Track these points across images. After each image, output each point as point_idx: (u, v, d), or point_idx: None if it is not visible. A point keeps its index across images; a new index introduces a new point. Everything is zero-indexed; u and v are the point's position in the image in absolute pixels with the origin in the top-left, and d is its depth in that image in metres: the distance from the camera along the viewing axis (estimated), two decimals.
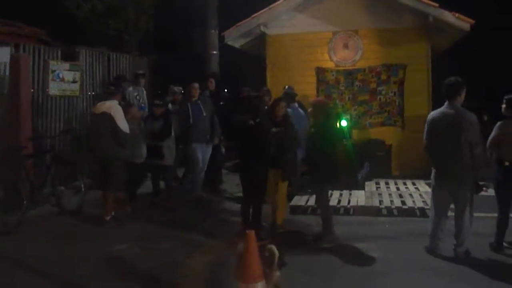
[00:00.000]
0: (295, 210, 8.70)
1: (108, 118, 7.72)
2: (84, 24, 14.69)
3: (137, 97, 10.70)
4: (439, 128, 6.20)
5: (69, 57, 10.71)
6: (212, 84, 10.32)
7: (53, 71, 10.11)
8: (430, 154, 6.46)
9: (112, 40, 14.46)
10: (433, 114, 6.40)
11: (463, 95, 6.27)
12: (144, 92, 11.16)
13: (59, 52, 10.45)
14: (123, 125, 7.80)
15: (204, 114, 9.08)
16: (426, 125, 6.40)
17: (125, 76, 11.19)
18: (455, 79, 6.33)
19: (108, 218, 7.83)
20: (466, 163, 6.09)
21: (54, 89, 10.18)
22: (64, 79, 10.38)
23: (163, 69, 14.22)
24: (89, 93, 11.25)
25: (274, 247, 4.75)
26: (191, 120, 8.96)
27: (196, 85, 9.22)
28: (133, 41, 15.37)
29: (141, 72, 11.32)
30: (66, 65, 10.46)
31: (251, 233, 4.60)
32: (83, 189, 8.70)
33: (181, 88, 10.40)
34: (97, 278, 5.77)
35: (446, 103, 6.29)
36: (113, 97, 8.06)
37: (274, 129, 7.29)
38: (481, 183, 6.45)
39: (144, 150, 8.80)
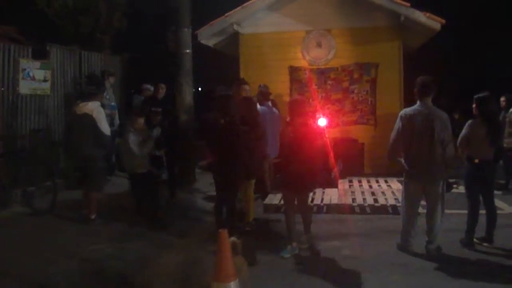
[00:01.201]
0: (269, 208, 8.70)
1: (89, 120, 7.72)
2: (55, 21, 14.47)
3: (106, 96, 10.58)
4: (412, 126, 6.26)
5: (40, 55, 10.55)
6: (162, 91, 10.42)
7: (23, 70, 9.94)
8: (397, 153, 6.50)
9: (84, 38, 14.28)
10: (406, 111, 6.43)
11: (434, 93, 6.35)
12: (111, 90, 11.08)
13: (30, 51, 10.29)
14: (104, 127, 7.80)
15: None
16: (398, 121, 6.43)
17: (98, 76, 11.07)
18: (427, 78, 6.41)
19: (93, 217, 7.81)
20: (438, 160, 6.18)
21: (24, 88, 10.02)
22: (34, 78, 10.21)
23: (136, 67, 14.09)
24: (60, 92, 11.10)
25: (236, 239, 4.79)
26: None
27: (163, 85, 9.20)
28: (106, 39, 15.20)
29: (110, 70, 11.22)
30: (37, 64, 10.30)
31: (224, 232, 4.60)
32: (55, 190, 8.59)
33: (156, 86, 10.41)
34: (69, 279, 5.72)
35: (418, 102, 6.37)
36: (94, 98, 8.01)
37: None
38: (451, 180, 6.56)
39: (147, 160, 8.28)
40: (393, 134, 6.45)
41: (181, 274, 5.91)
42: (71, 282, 5.67)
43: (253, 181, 7.72)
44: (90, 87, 8.43)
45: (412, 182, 6.38)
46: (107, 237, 7.11)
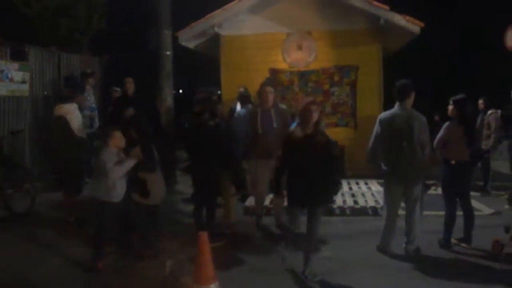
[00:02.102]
0: (249, 210, 8.69)
1: (63, 122, 7.66)
2: (34, 22, 14.32)
3: (88, 97, 10.49)
4: (391, 129, 6.32)
5: (19, 56, 10.44)
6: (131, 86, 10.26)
7: (1, 71, 9.84)
8: (377, 155, 6.55)
9: (63, 39, 14.16)
10: (384, 114, 6.49)
11: (413, 96, 6.41)
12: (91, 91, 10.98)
13: (8, 52, 10.18)
14: (78, 129, 7.73)
15: None
16: (377, 125, 6.48)
17: (76, 77, 10.97)
18: (405, 81, 6.48)
19: (71, 220, 7.73)
20: (417, 162, 6.24)
21: (2, 89, 9.91)
22: (13, 79, 10.11)
23: (116, 69, 14.00)
24: (45, 93, 11.00)
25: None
26: None
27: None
28: (85, 40, 15.08)
29: (88, 71, 11.12)
30: (15, 65, 10.20)
31: (204, 235, 4.60)
32: (33, 192, 8.49)
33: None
34: (51, 279, 5.74)
35: (397, 105, 6.42)
36: (71, 100, 7.95)
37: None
38: (430, 182, 6.63)
39: None
40: (372, 138, 6.51)
41: (162, 277, 5.89)
42: (52, 281, 5.63)
43: (232, 184, 7.69)
44: (66, 89, 8.33)
45: (392, 184, 6.44)
46: (85, 240, 7.03)
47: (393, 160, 6.36)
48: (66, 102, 7.93)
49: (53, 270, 6.12)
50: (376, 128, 6.45)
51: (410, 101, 6.38)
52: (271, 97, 7.57)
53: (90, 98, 10.73)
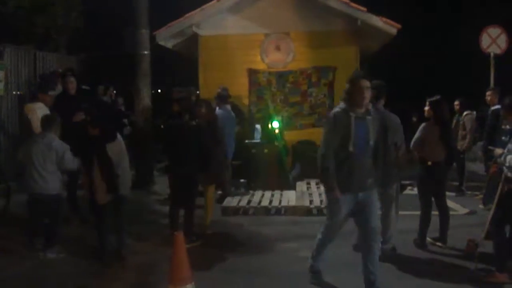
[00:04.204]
0: (227, 211, 8.69)
1: (25, 121, 7.58)
2: (10, 21, 14.13)
3: None
4: None
5: None
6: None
7: None
8: None
9: (39, 38, 14.00)
10: None
11: (385, 97, 6.45)
12: None
13: None
14: (36, 128, 7.61)
15: None
16: None
17: (49, 76, 10.81)
18: (377, 82, 6.51)
19: (46, 221, 7.60)
20: (391, 163, 6.28)
21: None
22: None
23: (93, 68, 13.88)
24: (14, 92, 10.84)
25: None
26: None
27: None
28: (62, 39, 14.93)
29: (60, 70, 10.98)
30: None
31: (179, 235, 4.58)
32: (8, 192, 8.36)
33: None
34: (26, 279, 5.69)
35: (370, 106, 6.44)
36: (37, 100, 7.85)
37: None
38: (406, 182, 6.68)
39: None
40: None
41: (138, 278, 5.85)
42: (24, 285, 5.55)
43: (214, 186, 7.69)
44: (34, 88, 8.24)
45: None
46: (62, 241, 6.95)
47: None
48: (33, 101, 7.86)
49: (28, 271, 6.04)
50: None
51: (382, 101, 6.42)
52: (368, 96, 5.21)
53: None
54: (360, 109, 5.08)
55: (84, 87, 9.58)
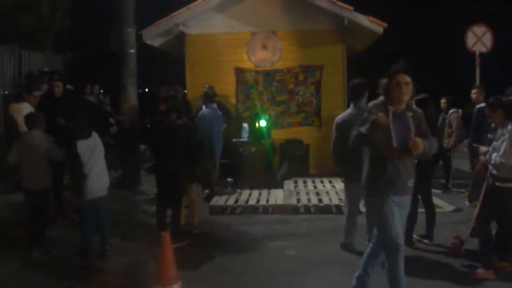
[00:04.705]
0: (214, 210, 8.68)
1: (10, 121, 7.53)
2: None
3: None
4: (347, 130, 6.36)
5: None
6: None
7: None
8: (338, 156, 6.56)
9: (25, 37, 13.86)
10: (339, 117, 6.52)
11: (366, 95, 6.47)
12: None
13: None
14: (22, 128, 7.56)
15: None
16: (334, 128, 6.51)
17: (34, 75, 10.73)
18: (358, 81, 6.55)
19: None
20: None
21: None
22: None
23: (79, 67, 13.81)
24: (6, 92, 10.74)
25: None
26: None
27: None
28: (48, 38, 14.79)
29: (46, 69, 10.90)
30: None
31: (166, 235, 4.56)
32: None
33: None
34: (8, 281, 5.62)
35: (351, 105, 6.49)
36: (23, 99, 7.80)
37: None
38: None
39: None
40: (331, 142, 6.56)
41: (125, 278, 5.83)
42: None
43: (195, 184, 7.65)
44: (19, 88, 8.17)
45: (352, 182, 6.49)
46: (47, 240, 6.90)
47: (350, 159, 6.42)
48: (18, 101, 7.81)
49: (14, 271, 5.99)
50: (333, 131, 6.50)
51: (364, 100, 6.44)
52: (407, 91, 4.60)
53: None
54: (399, 106, 4.56)
55: (68, 86, 9.51)
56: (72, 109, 7.52)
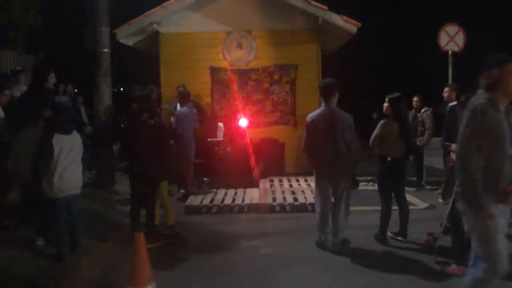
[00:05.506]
0: (189, 210, 8.65)
1: None
2: None
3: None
4: (317, 128, 6.43)
5: None
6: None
7: None
8: (309, 154, 6.65)
9: None
10: (310, 115, 6.60)
11: (337, 95, 6.52)
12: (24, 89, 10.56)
13: None
14: None
15: None
16: (305, 126, 6.60)
17: (6, 74, 10.55)
18: (329, 80, 6.62)
19: (5, 222, 7.44)
20: (342, 160, 6.37)
21: None
22: None
23: (52, 66, 13.60)
24: None
25: None
26: None
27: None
28: (20, 37, 14.58)
29: (18, 68, 10.72)
30: None
31: (140, 236, 4.54)
32: None
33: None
34: None
35: (322, 104, 6.54)
36: None
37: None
38: (359, 178, 6.79)
39: None
40: (302, 140, 6.61)
41: (99, 279, 5.77)
42: None
43: (166, 183, 7.61)
44: None
45: (321, 180, 6.55)
46: (20, 242, 6.80)
47: (319, 157, 6.48)
48: None
49: None
50: (305, 129, 6.56)
51: (335, 99, 6.50)
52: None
53: None
54: (506, 101, 3.94)
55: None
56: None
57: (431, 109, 10.38)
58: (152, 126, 7.00)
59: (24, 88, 10.18)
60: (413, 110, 10.32)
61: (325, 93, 6.52)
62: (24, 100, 7.77)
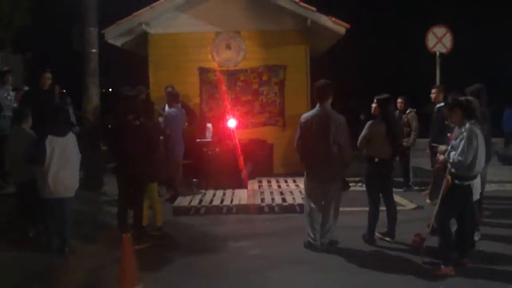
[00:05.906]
0: (178, 211, 8.62)
1: None
2: None
3: (8, 97, 10.02)
4: (310, 129, 6.44)
5: None
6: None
7: None
8: (301, 154, 6.66)
9: None
10: (304, 116, 6.61)
11: (331, 97, 6.54)
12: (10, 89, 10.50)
13: None
14: None
15: None
16: (298, 127, 6.60)
17: None
18: (324, 81, 6.62)
19: None
20: (334, 161, 6.39)
21: None
22: None
23: (40, 67, 13.52)
24: None
25: None
26: None
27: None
28: (8, 37, 14.49)
29: (6, 68, 10.64)
30: None
31: (127, 237, 4.53)
32: None
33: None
34: None
35: (317, 105, 6.55)
36: None
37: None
38: (349, 180, 6.81)
39: None
40: (295, 140, 6.61)
41: (86, 281, 5.74)
42: None
43: (156, 184, 7.59)
44: None
45: (311, 181, 6.57)
46: (7, 244, 6.76)
47: (311, 158, 6.49)
48: None
49: None
50: (298, 130, 6.57)
51: (330, 101, 6.52)
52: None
53: (11, 97, 10.27)
54: None
55: (25, 88, 9.38)
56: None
57: (415, 110, 10.48)
58: (138, 127, 6.98)
59: (10, 88, 10.16)
60: (398, 112, 10.38)
61: (321, 94, 6.53)
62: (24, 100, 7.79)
